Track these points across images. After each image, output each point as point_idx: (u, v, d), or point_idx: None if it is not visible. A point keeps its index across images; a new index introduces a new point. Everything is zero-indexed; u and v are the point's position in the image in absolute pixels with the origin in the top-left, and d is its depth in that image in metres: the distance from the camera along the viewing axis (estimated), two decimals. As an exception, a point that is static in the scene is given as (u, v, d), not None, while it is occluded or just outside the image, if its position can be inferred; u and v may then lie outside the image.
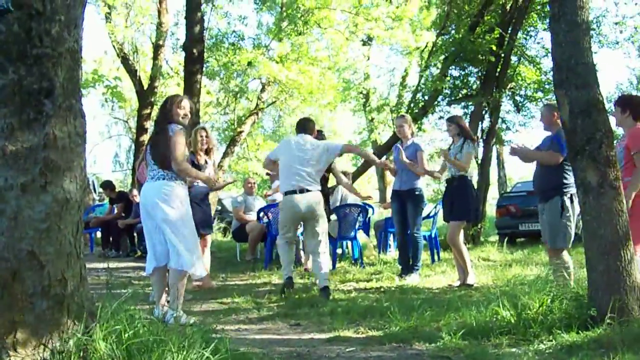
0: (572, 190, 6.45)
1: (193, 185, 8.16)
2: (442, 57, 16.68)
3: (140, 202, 6.49)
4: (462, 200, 8.44)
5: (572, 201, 6.67)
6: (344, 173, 11.93)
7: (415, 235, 9.12)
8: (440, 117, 18.10)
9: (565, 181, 6.69)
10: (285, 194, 7.95)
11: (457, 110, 17.74)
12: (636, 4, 20.72)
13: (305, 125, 8.32)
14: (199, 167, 8.16)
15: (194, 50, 13.76)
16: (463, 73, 17.22)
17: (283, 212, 8.05)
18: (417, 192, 9.09)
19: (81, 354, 3.59)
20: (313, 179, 7.91)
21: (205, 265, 8.29)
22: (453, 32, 16.76)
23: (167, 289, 6.50)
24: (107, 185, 15.61)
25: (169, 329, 4.10)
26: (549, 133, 7.10)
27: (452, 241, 8.45)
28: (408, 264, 9.20)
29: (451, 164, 8.60)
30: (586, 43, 5.27)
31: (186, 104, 6.56)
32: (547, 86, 16.96)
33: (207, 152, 8.55)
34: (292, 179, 7.87)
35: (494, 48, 15.30)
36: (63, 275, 3.68)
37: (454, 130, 8.72)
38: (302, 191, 7.81)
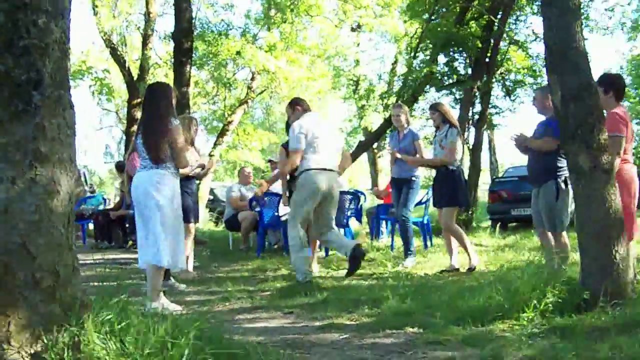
0: (566, 173, 6.42)
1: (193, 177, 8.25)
2: (432, 43, 16.63)
3: (132, 193, 6.46)
4: (451, 186, 8.43)
5: (566, 184, 6.66)
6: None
7: (403, 218, 9.14)
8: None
9: (559, 164, 6.70)
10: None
11: (446, 97, 17.74)
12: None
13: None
14: None
15: (184, 40, 13.73)
16: (451, 59, 17.20)
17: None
18: (413, 179, 9.15)
19: (74, 345, 3.58)
20: None
21: (188, 253, 8.32)
22: (441, 19, 16.68)
23: (162, 280, 6.51)
24: (121, 166, 15.32)
25: (163, 319, 4.09)
26: (542, 117, 7.10)
27: (447, 227, 8.45)
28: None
29: (434, 164, 8.64)
30: (577, 27, 5.26)
31: None
32: (536, 71, 16.97)
33: (192, 141, 8.49)
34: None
35: (481, 35, 15.31)
36: (55, 267, 3.66)
37: (438, 118, 8.71)
38: None
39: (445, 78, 17.27)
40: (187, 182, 8.21)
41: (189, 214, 8.15)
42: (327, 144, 7.78)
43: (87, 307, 3.84)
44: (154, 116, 6.36)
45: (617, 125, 6.06)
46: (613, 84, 6.37)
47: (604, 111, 6.37)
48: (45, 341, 3.53)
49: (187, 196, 8.12)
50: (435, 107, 8.89)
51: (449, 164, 8.45)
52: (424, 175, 27.00)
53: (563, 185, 6.71)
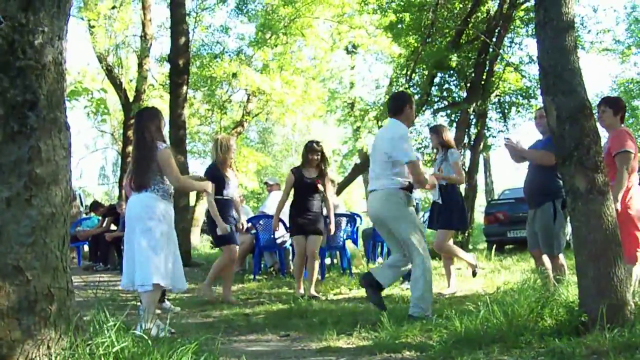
0: (564, 195, 6.42)
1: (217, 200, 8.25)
2: (426, 66, 16.67)
3: (126, 215, 6.50)
4: (450, 208, 8.41)
5: (563, 206, 6.65)
6: (331, 181, 11.90)
7: None
8: (428, 125, 18.15)
9: (556, 186, 6.67)
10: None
11: (441, 118, 17.78)
12: (615, 10, 21.02)
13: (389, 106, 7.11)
14: (224, 180, 8.21)
15: (180, 62, 13.75)
16: (446, 81, 17.26)
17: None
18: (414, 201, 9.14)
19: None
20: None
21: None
22: (432, 43, 16.72)
23: (157, 302, 6.48)
24: (96, 207, 15.49)
25: (158, 341, 4.06)
26: (539, 136, 7.12)
27: (440, 248, 8.42)
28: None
29: (446, 180, 8.50)
30: (571, 48, 5.26)
31: None
32: (531, 93, 17.00)
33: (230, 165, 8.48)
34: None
35: (476, 57, 15.40)
36: (49, 289, 3.63)
37: (436, 140, 8.68)
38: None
39: (440, 100, 17.31)
40: (226, 208, 8.31)
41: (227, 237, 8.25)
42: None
43: (81, 330, 3.81)
44: (139, 144, 6.40)
45: (627, 141, 6.21)
46: (622, 105, 6.55)
47: (608, 132, 6.48)
48: (39, 365, 3.50)
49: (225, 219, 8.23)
50: (433, 130, 8.88)
51: (462, 182, 8.47)
52: (421, 198, 27.08)
53: (560, 207, 6.70)
